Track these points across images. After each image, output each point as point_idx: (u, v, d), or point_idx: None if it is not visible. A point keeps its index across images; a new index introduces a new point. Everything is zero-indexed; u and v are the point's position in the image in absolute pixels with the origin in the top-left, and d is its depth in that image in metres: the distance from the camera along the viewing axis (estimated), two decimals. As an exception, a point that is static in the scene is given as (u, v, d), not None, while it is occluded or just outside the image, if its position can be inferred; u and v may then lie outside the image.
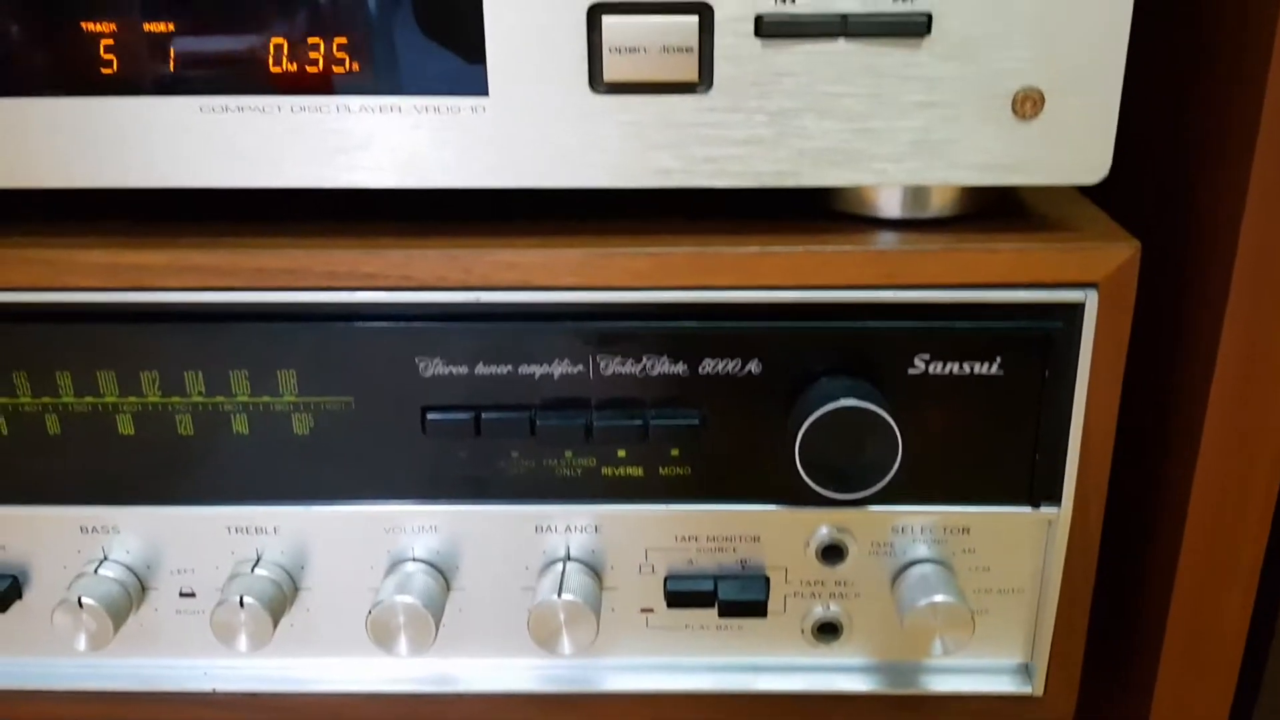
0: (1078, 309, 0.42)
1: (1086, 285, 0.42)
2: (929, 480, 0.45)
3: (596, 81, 0.40)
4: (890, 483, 0.42)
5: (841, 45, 0.39)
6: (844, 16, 0.39)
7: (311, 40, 0.40)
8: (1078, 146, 0.40)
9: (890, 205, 0.43)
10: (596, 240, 0.42)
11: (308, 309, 0.42)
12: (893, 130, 0.40)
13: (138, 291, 0.42)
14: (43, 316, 0.43)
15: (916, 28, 0.39)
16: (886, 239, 0.42)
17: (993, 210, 0.44)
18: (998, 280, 0.42)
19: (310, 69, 0.40)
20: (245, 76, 0.40)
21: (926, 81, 0.39)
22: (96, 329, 0.43)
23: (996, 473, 0.45)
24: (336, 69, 0.40)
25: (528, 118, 0.40)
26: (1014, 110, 0.40)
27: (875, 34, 0.39)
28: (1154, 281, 0.47)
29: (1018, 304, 0.42)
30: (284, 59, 0.40)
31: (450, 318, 0.43)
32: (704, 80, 0.40)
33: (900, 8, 0.38)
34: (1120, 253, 0.41)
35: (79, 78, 0.40)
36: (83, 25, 0.40)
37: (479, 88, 0.40)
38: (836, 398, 0.41)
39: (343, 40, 0.39)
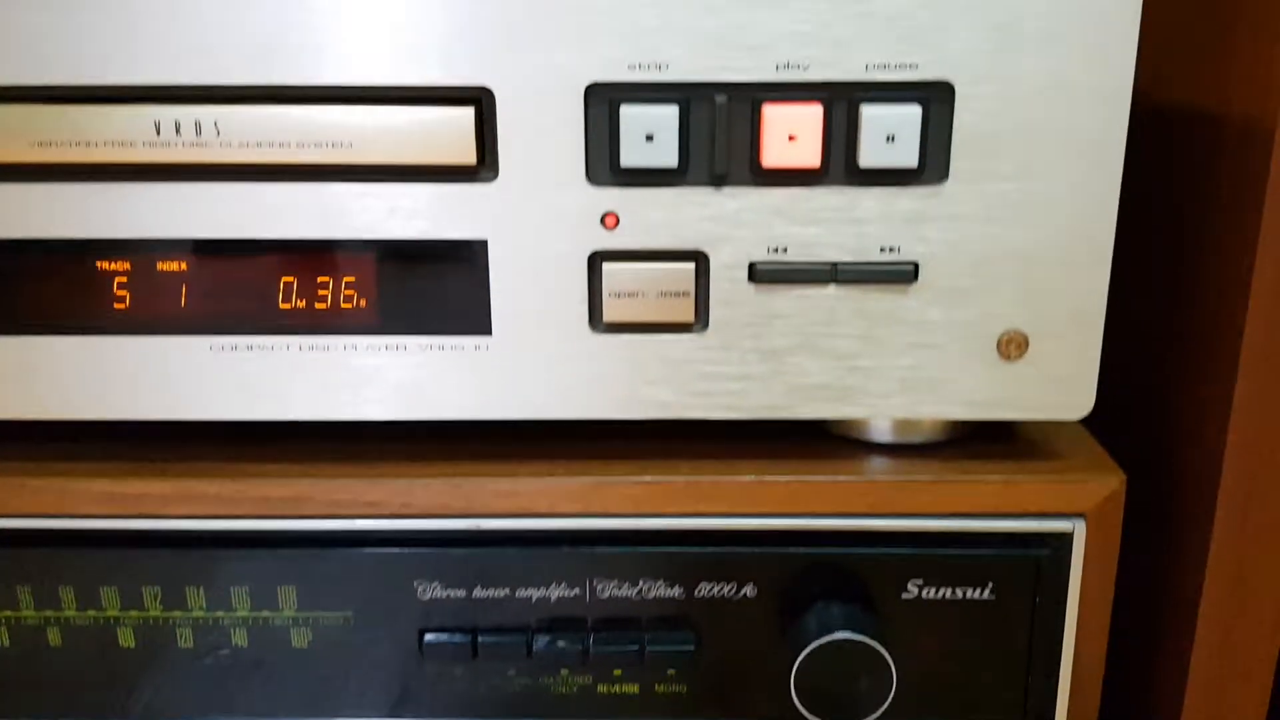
0: (1066, 538, 0.43)
1: (1074, 515, 0.43)
2: (924, 702, 0.45)
3: (596, 322, 0.41)
4: (886, 708, 0.43)
5: (832, 290, 0.41)
6: (834, 265, 0.40)
7: (320, 279, 0.41)
8: (1062, 385, 0.41)
9: (882, 431, 0.45)
10: (595, 468, 0.43)
11: (310, 535, 0.43)
12: (883, 369, 0.41)
13: (142, 519, 0.43)
14: (47, 541, 0.43)
15: (904, 276, 0.40)
16: (878, 466, 0.44)
17: (982, 433, 0.45)
18: (987, 510, 0.43)
19: (319, 305, 0.41)
20: (255, 315, 0.41)
21: (915, 324, 0.41)
22: (100, 553, 0.43)
23: (990, 695, 0.45)
24: (344, 306, 0.41)
25: (529, 355, 0.41)
26: (999, 352, 0.41)
27: (864, 281, 0.40)
28: (1142, 496, 0.48)
29: (1008, 533, 0.43)
30: (294, 296, 0.41)
31: (449, 543, 0.43)
32: (700, 321, 0.41)
33: (888, 257, 0.40)
34: (1106, 485, 0.42)
35: (92, 315, 0.41)
36: (98, 264, 0.41)
37: (483, 328, 0.41)
38: (831, 629, 0.42)
39: (351, 279, 0.41)
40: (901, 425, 0.45)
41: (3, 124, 0.38)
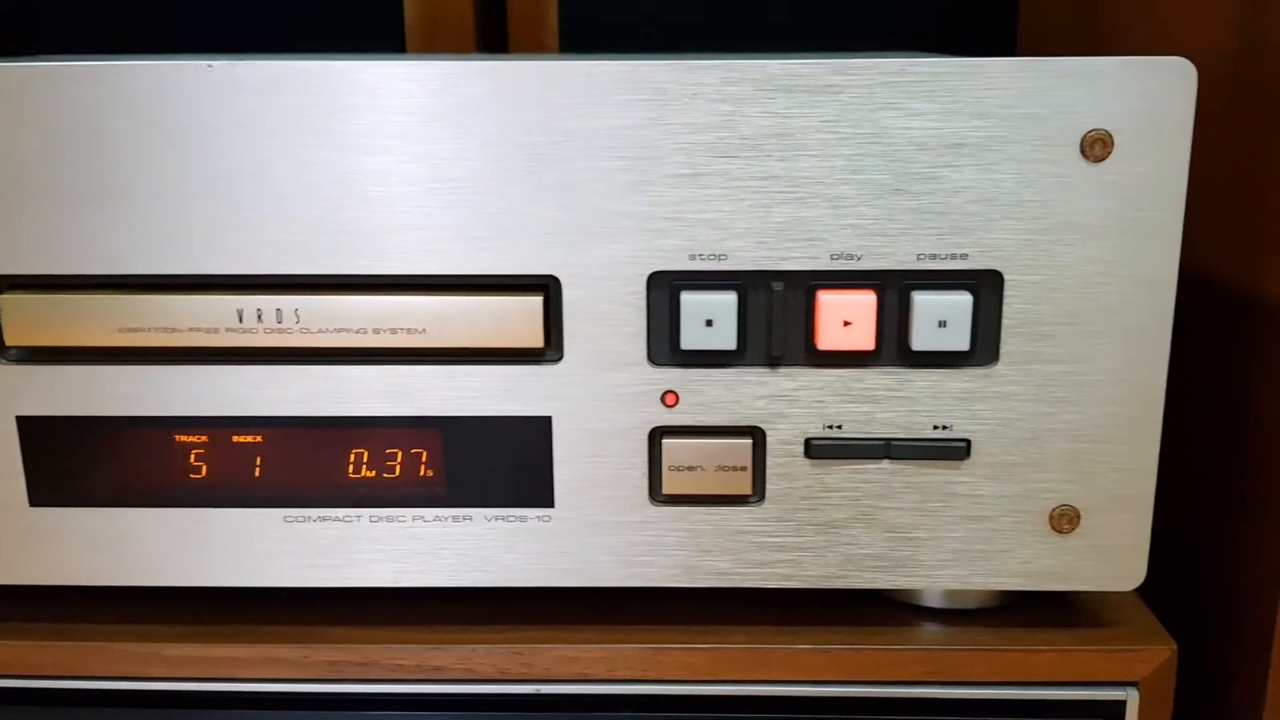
0: (1119, 705, 0.43)
1: (1128, 684, 0.43)
2: None
3: (656, 494, 0.42)
4: None
5: (886, 465, 0.42)
6: (888, 441, 0.41)
7: (390, 452, 0.43)
8: (1114, 558, 0.42)
9: (934, 597, 0.45)
10: (653, 635, 0.44)
11: (378, 698, 0.44)
12: (936, 540, 0.42)
13: (219, 682, 0.44)
14: (128, 702, 0.45)
15: (956, 452, 0.41)
16: (933, 634, 0.44)
17: (1032, 598, 0.46)
18: (1041, 678, 0.43)
19: (388, 478, 0.43)
20: (327, 487, 0.43)
21: (968, 498, 0.42)
22: (180, 713, 0.45)
23: None
24: (413, 479, 0.43)
25: (591, 526, 0.43)
26: (1051, 525, 0.42)
27: (917, 458, 0.41)
28: (1194, 661, 0.48)
29: (1061, 701, 0.43)
30: (363, 469, 0.43)
31: (510, 707, 0.44)
32: (757, 493, 0.42)
33: (941, 434, 0.41)
34: (1159, 654, 0.43)
35: (170, 488, 0.43)
36: (176, 437, 0.43)
37: (546, 500, 0.43)
38: (888, 800, 0.42)
39: (420, 454, 0.43)
40: (955, 591, 0.45)
41: (92, 310, 0.41)
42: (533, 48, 0.80)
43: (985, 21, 0.79)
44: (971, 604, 0.46)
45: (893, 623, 0.45)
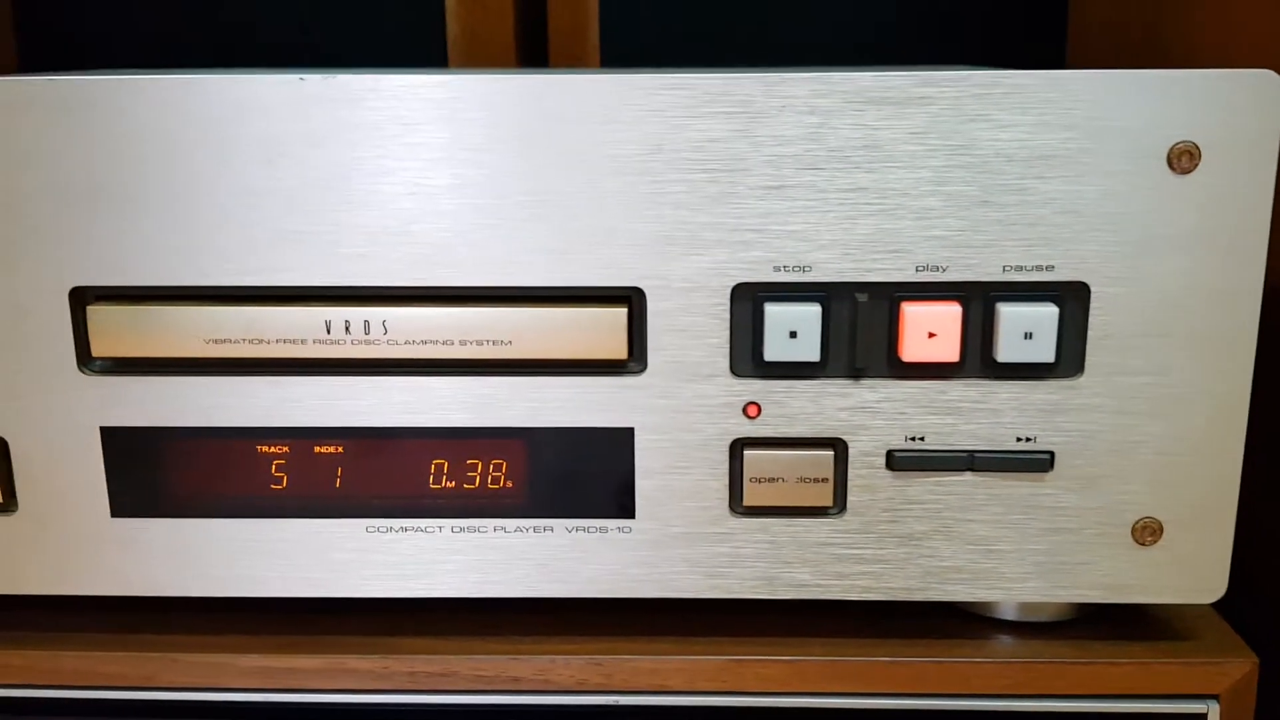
0: (1200, 718, 0.43)
1: (1208, 697, 0.43)
2: None
3: (736, 505, 0.42)
4: None
5: (969, 477, 0.42)
6: (971, 453, 0.41)
7: (471, 463, 0.43)
8: (1195, 570, 0.42)
9: (1009, 609, 0.45)
10: (731, 646, 0.44)
11: (456, 710, 0.44)
12: (1018, 553, 0.42)
13: (293, 694, 0.44)
14: (202, 714, 0.45)
15: (1040, 465, 0.41)
16: (1010, 645, 0.44)
17: (1107, 610, 0.46)
18: (1121, 690, 0.43)
19: (470, 488, 0.43)
20: (409, 497, 0.43)
21: (1050, 510, 0.42)
22: (253, 727, 0.45)
23: None
24: (495, 489, 0.43)
25: (671, 537, 0.43)
26: (1134, 538, 0.42)
27: (1000, 469, 0.42)
28: (1273, 673, 0.48)
29: (1141, 714, 0.43)
30: (444, 480, 0.43)
31: (588, 718, 0.44)
32: (838, 505, 0.42)
33: (1024, 447, 0.41)
34: (1240, 667, 0.43)
35: (251, 498, 0.43)
36: (258, 448, 0.43)
37: (627, 511, 0.43)
38: (970, 813, 0.42)
39: (502, 464, 0.43)
40: (1030, 604, 0.45)
41: (180, 322, 0.41)
42: (573, 62, 0.80)
43: (1030, 27, 0.79)
44: (1046, 617, 0.45)
45: (968, 635, 0.45)
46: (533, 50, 0.82)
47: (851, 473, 0.42)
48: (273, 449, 0.43)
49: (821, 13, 0.78)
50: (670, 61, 0.79)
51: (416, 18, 0.80)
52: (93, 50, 0.80)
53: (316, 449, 0.43)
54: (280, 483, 0.43)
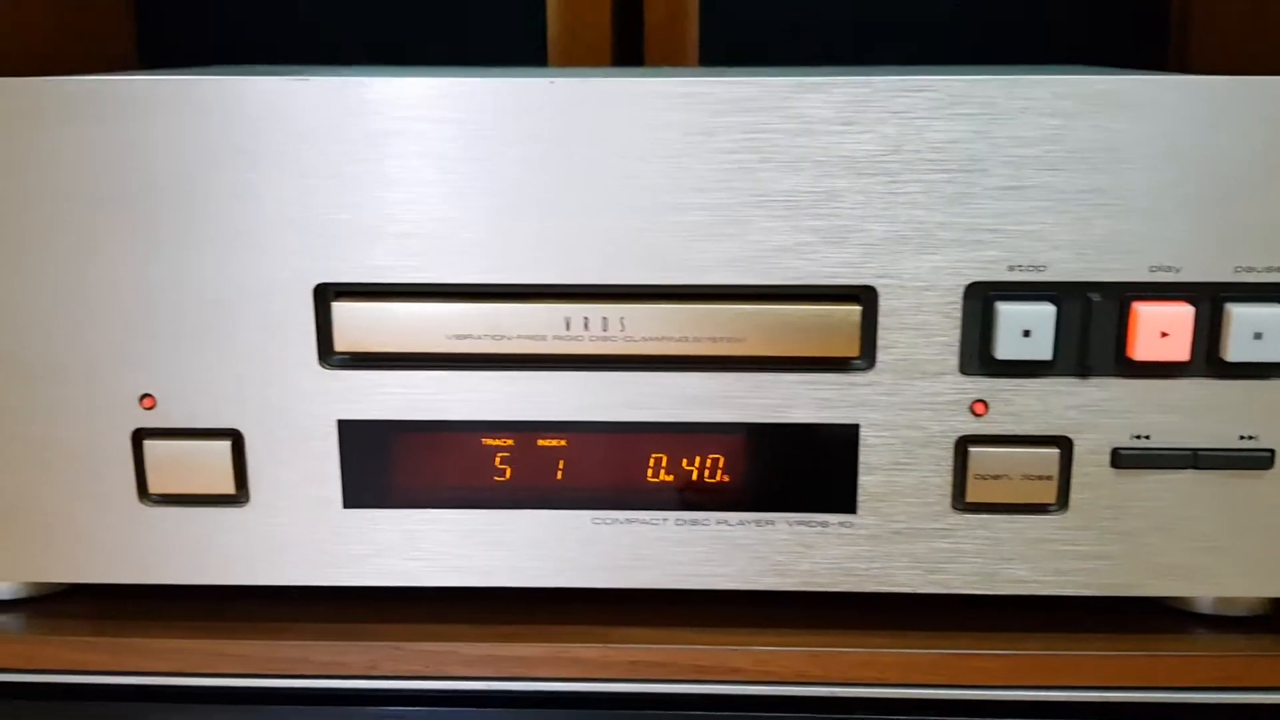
0: None
1: None
2: None
3: (959, 502, 0.43)
4: None
5: (1190, 475, 0.42)
6: (1194, 451, 0.42)
7: (698, 458, 0.43)
8: None
9: (1205, 604, 0.46)
10: (949, 640, 0.44)
11: (675, 698, 0.45)
12: (1238, 549, 0.43)
13: (518, 681, 0.45)
14: (424, 700, 0.46)
15: (1261, 462, 0.42)
16: (1215, 639, 0.45)
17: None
18: (1335, 687, 0.44)
19: (695, 481, 0.44)
20: (632, 490, 0.44)
21: (1270, 507, 0.42)
22: (477, 713, 0.46)
23: None
24: (720, 483, 0.44)
25: (892, 533, 0.43)
26: (1356, 536, 0.42)
27: (1223, 467, 0.42)
28: None
29: (1356, 710, 0.44)
30: (667, 472, 0.44)
31: (806, 709, 0.45)
32: (1060, 502, 0.43)
33: (1247, 444, 0.42)
34: None
35: (477, 490, 0.44)
36: (483, 440, 0.44)
37: (849, 506, 0.43)
38: (1191, 806, 0.43)
39: (727, 459, 0.44)
40: (1226, 599, 0.46)
41: (423, 318, 0.42)
42: (669, 61, 0.81)
43: (1135, 28, 0.79)
44: (1242, 611, 0.46)
45: (1167, 629, 0.46)
46: (628, 48, 0.83)
47: (1076, 470, 0.43)
48: (498, 441, 0.44)
49: (928, 5, 0.79)
50: (774, 60, 0.79)
51: (506, 17, 0.80)
52: (241, 49, 0.81)
53: (540, 442, 0.44)
54: (503, 474, 0.44)
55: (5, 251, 0.42)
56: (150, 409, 0.43)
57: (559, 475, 0.44)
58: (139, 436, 0.43)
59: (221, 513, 0.44)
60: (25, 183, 0.41)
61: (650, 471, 0.44)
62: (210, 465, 0.43)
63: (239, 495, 0.44)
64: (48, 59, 0.71)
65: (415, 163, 0.41)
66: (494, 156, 0.41)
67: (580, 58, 0.81)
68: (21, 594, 0.47)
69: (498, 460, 0.44)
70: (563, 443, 0.44)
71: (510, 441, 0.44)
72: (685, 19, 0.81)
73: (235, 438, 0.43)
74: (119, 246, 0.42)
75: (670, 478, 0.44)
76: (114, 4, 0.80)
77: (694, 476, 0.44)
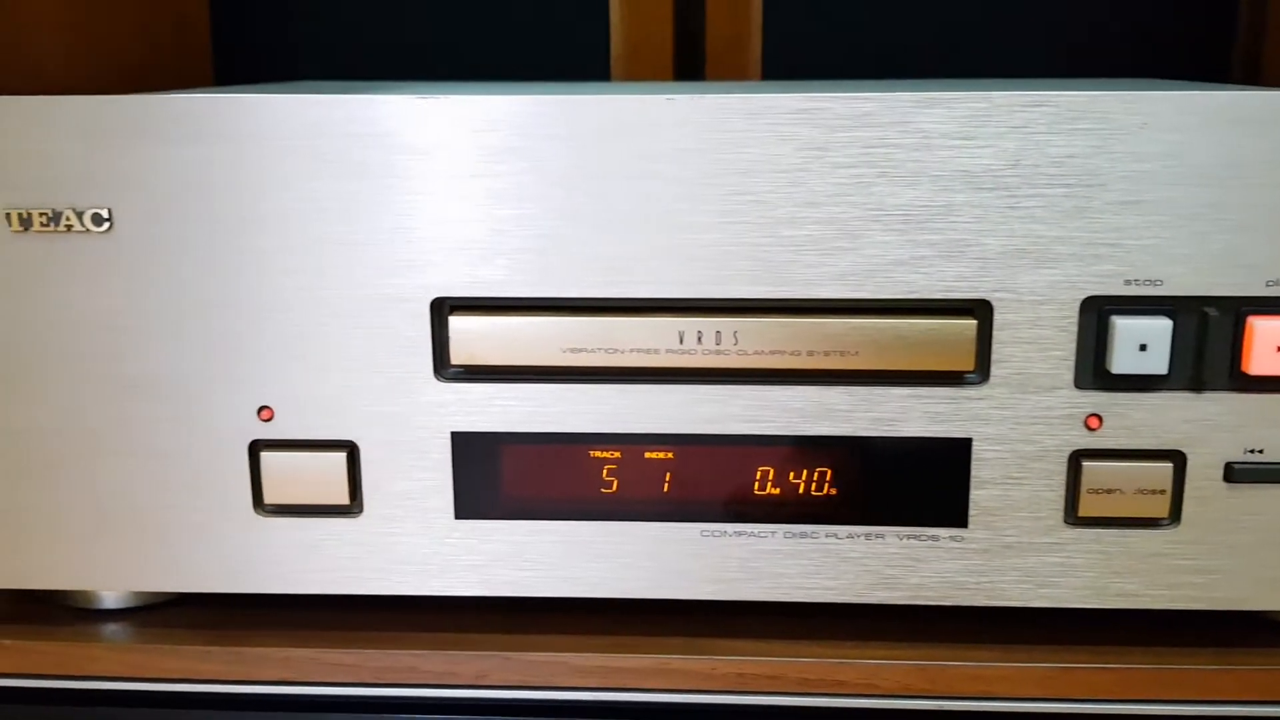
0: None
1: None
2: None
3: (1071, 516, 0.43)
4: None
5: (1304, 489, 0.42)
6: (1310, 465, 0.42)
7: (806, 471, 0.44)
8: None
9: (1309, 618, 0.46)
10: (1056, 654, 0.44)
11: (780, 710, 0.45)
12: (1352, 565, 0.43)
13: (625, 692, 0.45)
14: (531, 711, 0.46)
15: (1379, 477, 0.42)
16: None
17: None
18: None
19: (803, 494, 0.44)
20: (738, 503, 0.44)
21: (1387, 523, 0.42)
22: (581, 724, 0.46)
23: None
24: (828, 496, 0.44)
25: (1003, 547, 0.43)
26: None
27: (1340, 481, 0.42)
28: None
29: None
30: (773, 485, 0.44)
31: (913, 722, 0.45)
32: (1172, 516, 0.43)
33: (1364, 459, 0.42)
34: None
35: (584, 502, 0.45)
36: (590, 453, 0.45)
37: (959, 520, 0.43)
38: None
39: (836, 471, 0.44)
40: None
41: (539, 332, 0.42)
42: (732, 75, 0.81)
43: (1201, 41, 0.79)
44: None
45: (1273, 643, 0.45)
46: (689, 62, 0.83)
47: (1189, 485, 0.43)
48: (605, 454, 0.44)
49: (985, 20, 0.79)
50: (839, 73, 0.80)
51: (567, 34, 0.81)
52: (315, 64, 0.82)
53: (647, 454, 0.44)
54: (610, 486, 0.45)
55: (129, 270, 0.42)
56: (268, 421, 0.43)
57: (665, 488, 0.44)
58: (256, 448, 0.44)
59: (335, 523, 0.45)
60: (147, 202, 0.42)
61: (758, 484, 0.44)
62: (325, 476, 0.44)
63: (352, 506, 0.45)
64: (138, 79, 0.72)
65: (528, 179, 0.41)
66: (606, 173, 0.41)
67: (642, 75, 0.81)
68: (130, 603, 0.48)
69: (605, 472, 0.45)
70: (669, 455, 0.44)
71: (618, 454, 0.44)
72: (749, 37, 0.82)
73: (350, 449, 0.44)
74: (236, 263, 0.42)
75: (778, 490, 0.44)
76: (196, 24, 0.81)
77: (801, 490, 0.44)
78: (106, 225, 0.42)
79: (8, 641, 0.46)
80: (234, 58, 0.83)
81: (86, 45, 0.67)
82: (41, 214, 0.42)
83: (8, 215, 0.42)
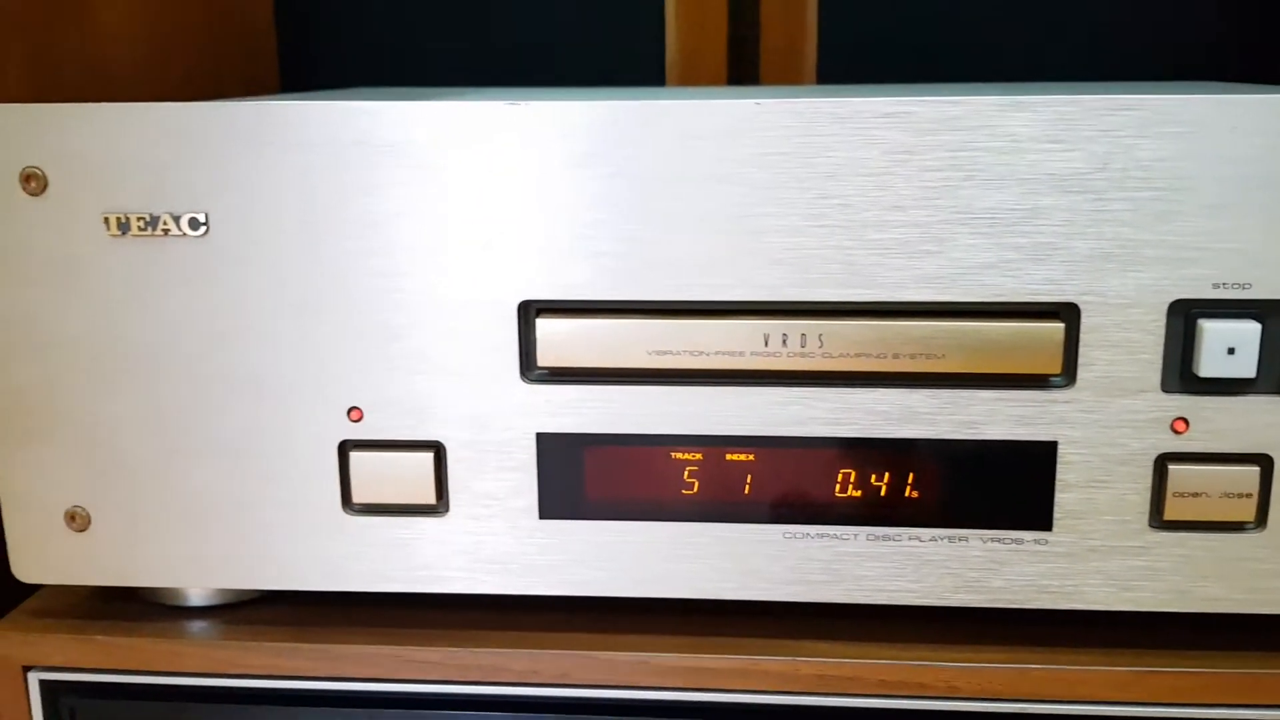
0: None
1: None
2: None
3: (1156, 519, 0.43)
4: None
5: (1394, 494, 0.42)
6: (1399, 471, 0.42)
7: (890, 473, 0.44)
8: None
9: None
10: (1137, 657, 0.44)
11: (861, 711, 0.45)
12: None
13: (708, 693, 0.46)
14: (613, 710, 0.46)
15: None
16: None
17: None
18: None
19: (886, 496, 0.44)
20: (822, 505, 0.44)
21: None
22: (664, 724, 0.47)
23: None
24: (911, 498, 0.44)
25: (1087, 551, 0.44)
26: None
27: None
28: None
29: None
30: (856, 488, 0.44)
31: (989, 725, 0.45)
32: (1258, 520, 0.43)
33: None
34: None
35: (665, 503, 0.45)
36: (671, 454, 0.45)
37: (1044, 523, 0.44)
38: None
39: (920, 474, 0.44)
40: None
41: (625, 335, 0.43)
42: (787, 80, 0.81)
43: (1251, 44, 0.78)
44: None
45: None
46: (743, 68, 0.83)
47: (1275, 489, 0.42)
48: (686, 455, 0.45)
49: (1041, 26, 0.78)
50: (896, 78, 0.79)
51: (624, 39, 0.81)
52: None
53: (728, 456, 0.45)
54: (691, 488, 0.45)
55: (224, 274, 0.43)
56: (357, 421, 0.44)
57: (746, 490, 0.45)
58: (345, 448, 0.45)
59: (421, 522, 0.45)
60: (242, 206, 0.43)
61: (839, 487, 0.44)
62: (412, 476, 0.45)
63: (439, 505, 0.45)
64: (208, 86, 0.73)
65: (613, 183, 0.42)
66: (690, 177, 0.42)
67: (697, 81, 0.82)
68: (216, 600, 0.49)
69: (686, 474, 0.45)
70: (750, 457, 0.45)
71: (699, 455, 0.45)
72: (804, 42, 0.82)
73: (437, 449, 0.45)
74: (328, 267, 0.43)
75: (860, 493, 0.44)
76: (263, 31, 0.82)
77: (884, 492, 0.44)
78: (203, 230, 0.43)
79: (98, 637, 0.48)
80: (299, 64, 0.84)
81: (155, 52, 0.69)
82: (139, 219, 0.43)
83: (106, 220, 0.43)
